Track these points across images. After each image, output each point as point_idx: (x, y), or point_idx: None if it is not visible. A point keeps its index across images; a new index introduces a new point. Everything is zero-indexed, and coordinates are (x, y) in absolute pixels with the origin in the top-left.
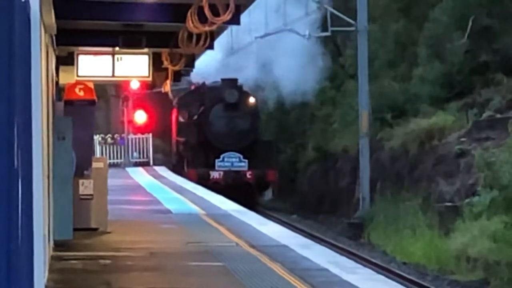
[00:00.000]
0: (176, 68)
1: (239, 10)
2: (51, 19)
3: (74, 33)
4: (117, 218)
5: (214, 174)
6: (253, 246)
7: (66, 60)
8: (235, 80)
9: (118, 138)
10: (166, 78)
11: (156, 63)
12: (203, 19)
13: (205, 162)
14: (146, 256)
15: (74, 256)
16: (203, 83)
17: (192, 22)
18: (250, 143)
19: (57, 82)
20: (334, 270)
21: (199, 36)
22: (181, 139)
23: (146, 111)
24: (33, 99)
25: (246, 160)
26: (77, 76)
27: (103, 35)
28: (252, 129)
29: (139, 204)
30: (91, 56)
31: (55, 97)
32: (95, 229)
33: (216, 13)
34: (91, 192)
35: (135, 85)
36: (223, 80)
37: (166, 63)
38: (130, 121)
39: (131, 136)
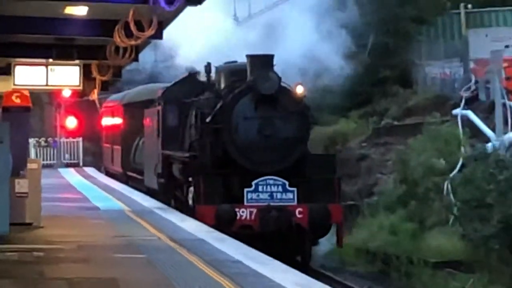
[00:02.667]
0: (104, 78)
1: (161, 26)
2: None
3: (11, 46)
4: (50, 214)
5: (243, 214)
6: (173, 240)
7: (4, 70)
8: (271, 57)
9: (51, 142)
10: (95, 87)
11: (86, 74)
12: (129, 34)
13: (225, 193)
14: (75, 248)
15: (10, 248)
16: (208, 65)
17: (119, 37)
18: (296, 161)
19: None
20: (247, 262)
21: (125, 49)
22: (178, 155)
23: (77, 117)
24: None
25: (294, 189)
26: (14, 85)
27: (38, 48)
28: (301, 138)
29: (70, 201)
30: (27, 67)
31: None
32: (30, 224)
33: (141, 29)
34: (26, 190)
35: (67, 93)
36: (250, 57)
37: (95, 74)
38: (62, 126)
39: (63, 139)
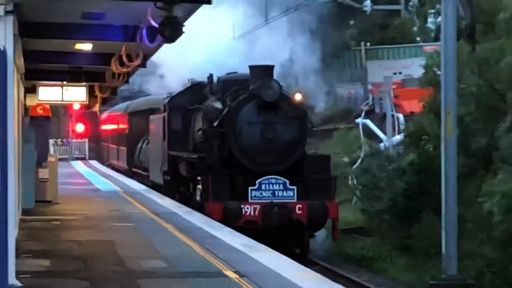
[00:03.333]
0: (104, 95)
1: (146, 57)
2: (21, 62)
3: (36, 72)
4: (64, 194)
5: (248, 210)
6: (153, 213)
7: (31, 90)
8: (271, 68)
9: (65, 141)
10: (96, 102)
11: (90, 92)
12: (122, 64)
13: (231, 191)
14: (83, 219)
15: (35, 219)
16: (211, 75)
17: (115, 66)
18: (295, 161)
19: (24, 104)
20: (206, 228)
21: (119, 74)
22: (185, 156)
23: (84, 123)
24: (8, 116)
25: (294, 187)
26: (38, 100)
27: (56, 74)
28: (299, 141)
29: (79, 185)
30: (48, 87)
31: (23, 114)
32: (49, 201)
33: (130, 60)
34: (47, 177)
35: (76, 106)
36: (252, 68)
37: (97, 93)
38: (73, 130)
39: (73, 140)
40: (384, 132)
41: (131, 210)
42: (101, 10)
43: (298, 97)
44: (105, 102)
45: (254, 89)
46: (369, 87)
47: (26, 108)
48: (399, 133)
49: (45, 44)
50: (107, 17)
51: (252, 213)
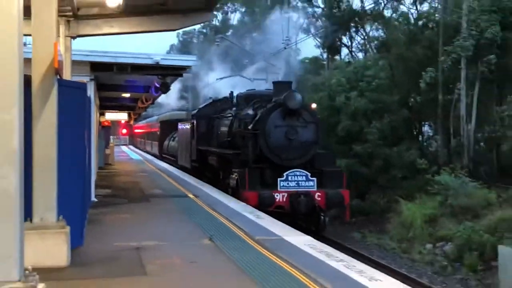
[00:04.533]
0: (135, 117)
1: (153, 100)
2: (97, 102)
3: (104, 106)
4: (117, 160)
5: (277, 197)
6: (157, 169)
7: (102, 113)
8: (290, 83)
9: (117, 137)
10: (131, 119)
11: (129, 115)
12: (142, 103)
13: (262, 181)
14: (124, 171)
15: (102, 171)
16: (231, 92)
17: (139, 103)
18: (311, 158)
19: (99, 120)
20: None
21: (141, 107)
22: (218, 151)
23: (126, 129)
24: (92, 127)
25: (315, 179)
26: (105, 118)
27: (113, 107)
28: (315, 141)
29: (123, 157)
30: (109, 112)
31: (99, 125)
32: (110, 164)
33: (146, 101)
34: (109, 153)
35: (122, 121)
36: (276, 83)
37: (132, 115)
38: (121, 132)
39: (121, 137)
40: None
41: (147, 168)
42: (134, 79)
43: (313, 106)
44: (136, 119)
45: (278, 99)
46: None
47: (100, 122)
48: None
49: (108, 93)
50: (136, 82)
51: (281, 199)
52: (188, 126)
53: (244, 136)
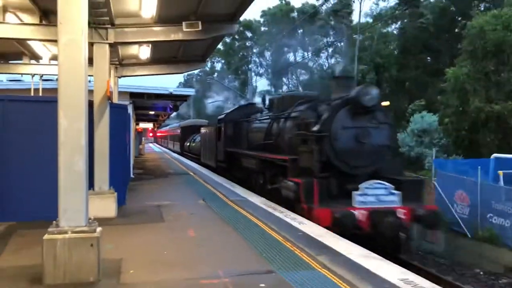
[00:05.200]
0: (158, 125)
1: (169, 116)
2: (135, 116)
3: (139, 119)
4: (146, 152)
5: (357, 216)
6: (172, 158)
7: (137, 124)
8: (353, 77)
9: (147, 138)
10: (155, 127)
11: (154, 124)
12: (162, 117)
13: (331, 195)
14: (151, 158)
15: (138, 159)
16: (263, 95)
17: (160, 117)
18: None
19: (136, 128)
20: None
21: (161, 120)
22: (252, 154)
23: (152, 133)
24: (131, 132)
25: (399, 192)
26: (139, 127)
27: (144, 120)
28: (389, 146)
29: (150, 150)
30: (142, 123)
31: (135, 131)
32: (142, 154)
33: (164, 116)
34: (142, 147)
35: (150, 127)
36: (336, 78)
37: (155, 125)
38: (148, 135)
39: (149, 138)
40: None
41: (166, 157)
42: (156, 102)
43: (386, 103)
44: (158, 127)
45: (345, 96)
46: None
47: (136, 129)
48: None
49: (140, 111)
50: (158, 104)
51: (359, 217)
52: (210, 130)
53: (307, 140)
